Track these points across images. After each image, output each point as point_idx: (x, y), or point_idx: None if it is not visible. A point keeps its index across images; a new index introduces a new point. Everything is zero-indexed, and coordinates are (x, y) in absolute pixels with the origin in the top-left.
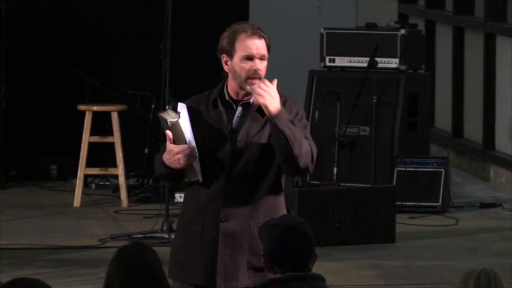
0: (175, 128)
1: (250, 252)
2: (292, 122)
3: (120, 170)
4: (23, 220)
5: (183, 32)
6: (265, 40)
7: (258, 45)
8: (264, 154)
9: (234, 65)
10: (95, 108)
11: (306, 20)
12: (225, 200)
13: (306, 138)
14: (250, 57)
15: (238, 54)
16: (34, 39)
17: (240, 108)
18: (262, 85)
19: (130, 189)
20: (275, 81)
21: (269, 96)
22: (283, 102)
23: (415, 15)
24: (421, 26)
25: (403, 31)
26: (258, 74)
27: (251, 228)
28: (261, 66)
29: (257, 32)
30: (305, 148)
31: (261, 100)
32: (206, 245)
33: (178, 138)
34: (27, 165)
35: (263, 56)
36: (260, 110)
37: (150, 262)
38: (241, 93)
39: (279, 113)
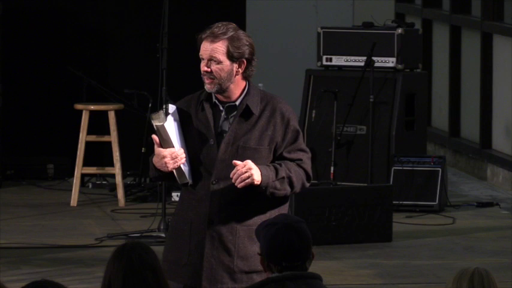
0: (162, 131)
1: (236, 255)
2: (281, 156)
3: (117, 169)
4: (19, 219)
5: (180, 31)
6: (225, 43)
7: (206, 48)
8: (251, 157)
9: None
10: (92, 107)
11: (302, 19)
12: (212, 201)
13: (300, 150)
14: (201, 58)
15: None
16: (31, 38)
17: (225, 111)
18: (238, 172)
19: (127, 188)
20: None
21: (248, 174)
22: (274, 107)
23: (412, 14)
24: (418, 25)
25: (400, 30)
26: (207, 74)
27: (238, 231)
28: (208, 68)
29: (212, 35)
30: (299, 182)
31: (249, 181)
32: (194, 245)
33: (165, 142)
34: (24, 164)
35: (212, 58)
36: (246, 112)
37: (150, 258)
38: (226, 94)
39: (264, 182)
